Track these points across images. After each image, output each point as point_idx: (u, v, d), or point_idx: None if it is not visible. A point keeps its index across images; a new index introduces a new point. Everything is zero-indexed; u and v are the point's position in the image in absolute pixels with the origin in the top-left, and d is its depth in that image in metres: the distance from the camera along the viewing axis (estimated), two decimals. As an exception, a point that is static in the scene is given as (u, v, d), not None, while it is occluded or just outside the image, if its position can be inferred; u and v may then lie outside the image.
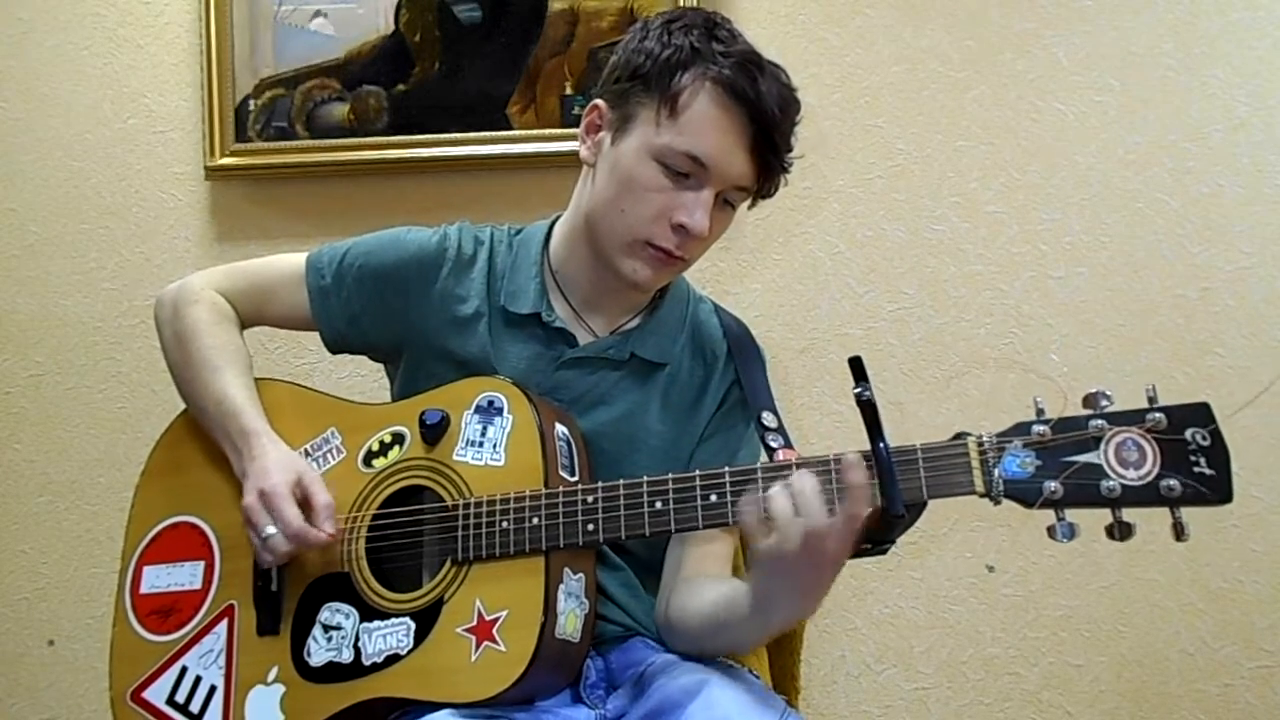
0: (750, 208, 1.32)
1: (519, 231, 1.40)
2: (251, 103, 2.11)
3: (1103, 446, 0.99)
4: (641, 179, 1.23)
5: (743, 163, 1.23)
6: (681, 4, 2.05)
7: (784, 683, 1.50)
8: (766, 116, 1.21)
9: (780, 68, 1.25)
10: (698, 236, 1.24)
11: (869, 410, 1.03)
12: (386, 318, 1.36)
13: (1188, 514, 0.97)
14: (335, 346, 1.40)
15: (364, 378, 2.07)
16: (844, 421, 2.06)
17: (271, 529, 1.21)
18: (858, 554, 1.08)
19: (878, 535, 1.07)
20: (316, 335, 1.39)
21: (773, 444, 1.22)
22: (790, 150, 1.26)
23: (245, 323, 1.42)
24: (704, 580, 1.26)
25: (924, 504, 1.06)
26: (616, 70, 1.27)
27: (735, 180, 1.24)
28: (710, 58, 1.21)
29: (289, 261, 1.40)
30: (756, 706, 1.13)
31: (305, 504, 1.23)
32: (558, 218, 1.39)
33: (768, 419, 1.24)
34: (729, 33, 1.25)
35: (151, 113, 2.18)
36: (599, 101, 1.29)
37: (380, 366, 1.46)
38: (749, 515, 1.07)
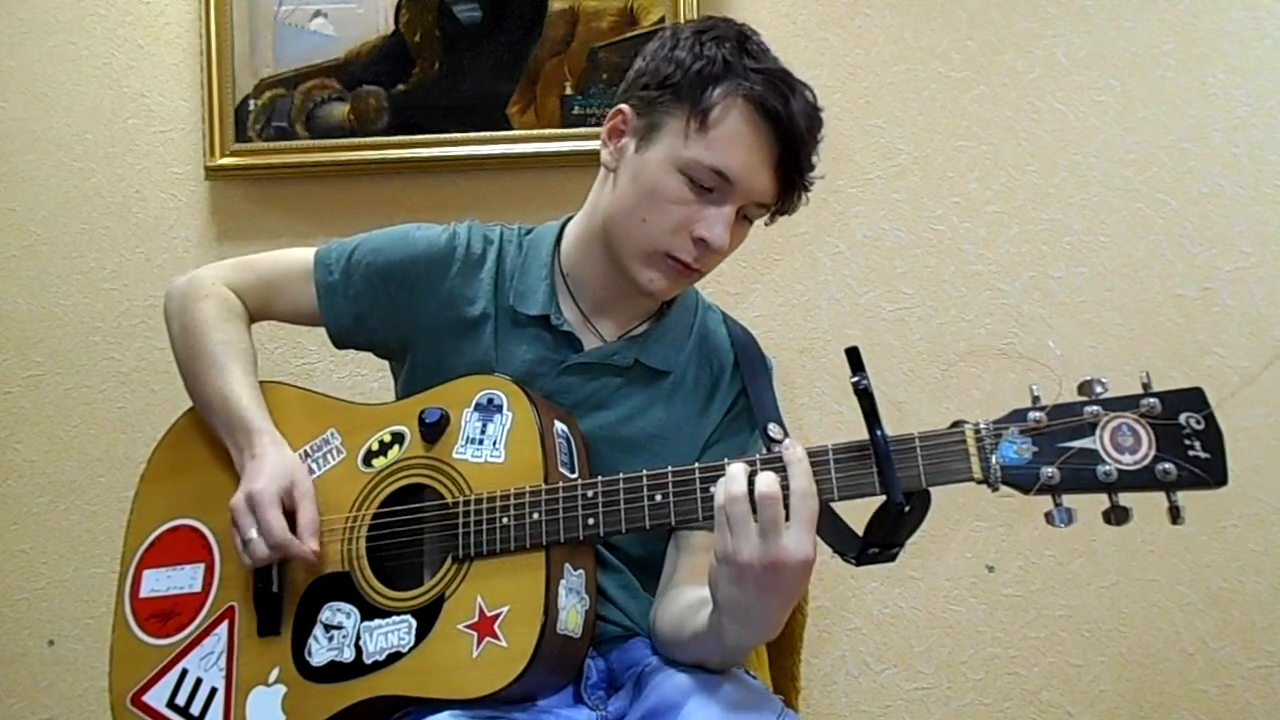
0: (768, 224, 1.32)
1: (529, 231, 1.40)
2: (251, 103, 2.11)
3: (1098, 432, 0.99)
4: (665, 190, 1.22)
5: (767, 180, 1.23)
6: (681, 6, 2.05)
7: (784, 683, 1.50)
8: (795, 136, 1.21)
9: (808, 86, 1.24)
10: (717, 251, 1.24)
11: (866, 399, 1.03)
12: (393, 315, 1.35)
13: (1185, 499, 0.97)
14: (341, 342, 1.39)
15: (364, 378, 2.07)
16: (844, 420, 2.06)
17: (253, 533, 1.21)
18: (866, 561, 1.08)
19: (883, 537, 1.06)
20: (315, 335, 1.39)
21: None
22: (813, 169, 1.26)
23: (253, 316, 1.41)
24: (686, 587, 1.25)
25: (927, 500, 1.06)
26: (644, 77, 1.26)
27: (757, 197, 1.24)
28: (742, 73, 1.20)
29: (298, 256, 1.40)
30: (753, 707, 1.13)
31: (290, 516, 1.23)
32: (569, 218, 1.38)
33: (773, 431, 1.23)
34: (759, 47, 1.24)
35: (151, 113, 2.18)
36: (624, 107, 1.28)
37: (380, 367, 1.45)
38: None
